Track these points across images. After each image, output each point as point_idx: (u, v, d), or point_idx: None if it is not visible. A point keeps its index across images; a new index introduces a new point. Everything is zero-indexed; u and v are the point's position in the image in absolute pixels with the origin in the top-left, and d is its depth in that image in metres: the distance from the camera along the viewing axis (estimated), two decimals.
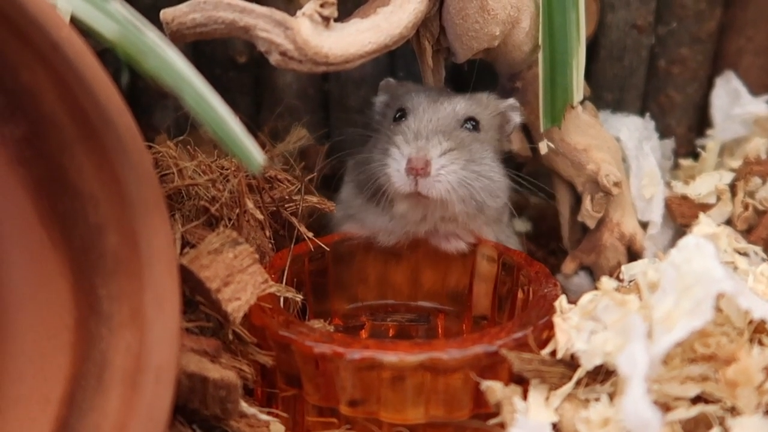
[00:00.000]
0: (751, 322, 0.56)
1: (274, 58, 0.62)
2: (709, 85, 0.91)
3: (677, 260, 0.53)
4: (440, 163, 0.67)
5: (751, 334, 0.55)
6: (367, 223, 0.74)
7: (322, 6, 0.62)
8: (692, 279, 0.51)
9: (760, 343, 0.55)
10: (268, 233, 0.67)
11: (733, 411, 0.51)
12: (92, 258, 0.54)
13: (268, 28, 0.61)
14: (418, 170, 0.66)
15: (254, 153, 0.49)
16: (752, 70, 0.90)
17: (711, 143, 0.86)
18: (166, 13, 0.61)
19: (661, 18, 0.89)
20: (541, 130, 0.76)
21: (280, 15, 0.61)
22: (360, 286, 0.76)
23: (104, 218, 0.53)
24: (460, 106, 0.72)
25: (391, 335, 0.74)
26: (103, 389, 0.51)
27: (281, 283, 0.67)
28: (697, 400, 0.52)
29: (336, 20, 0.65)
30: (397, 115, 0.73)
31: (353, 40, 0.63)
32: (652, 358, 0.50)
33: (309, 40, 0.61)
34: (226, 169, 0.66)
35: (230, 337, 0.59)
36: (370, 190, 0.70)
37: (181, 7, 0.61)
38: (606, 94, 0.91)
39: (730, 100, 0.89)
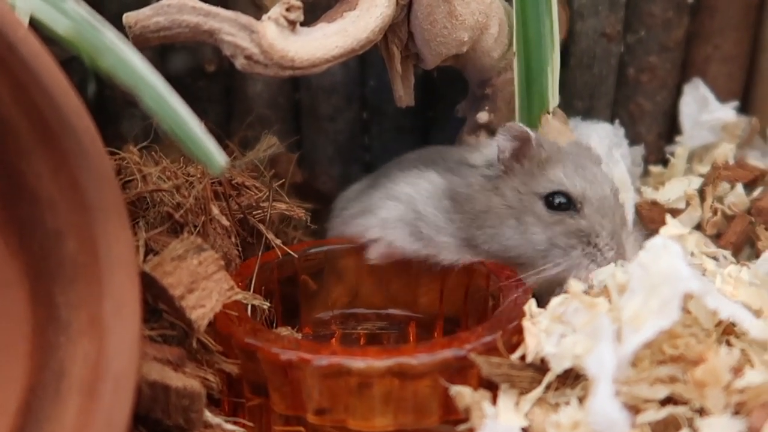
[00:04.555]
0: (719, 323, 0.56)
1: (239, 62, 0.61)
2: (677, 93, 0.92)
3: (645, 261, 0.53)
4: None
5: (719, 335, 0.55)
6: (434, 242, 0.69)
7: (288, 10, 0.62)
8: (659, 279, 0.51)
9: (728, 343, 0.55)
10: (234, 240, 0.66)
11: (702, 412, 0.50)
12: (50, 265, 0.53)
13: (233, 31, 0.61)
14: None
15: (216, 155, 0.49)
16: (719, 78, 0.91)
17: (680, 149, 0.86)
18: (129, 17, 0.60)
19: (630, 26, 0.89)
20: None
21: (245, 18, 0.61)
22: (330, 295, 0.74)
23: (63, 224, 0.52)
24: (614, 185, 0.70)
25: (362, 344, 0.73)
26: (61, 399, 0.50)
27: (249, 291, 0.65)
28: (666, 401, 0.51)
29: (303, 25, 0.64)
30: (557, 201, 0.66)
31: (320, 44, 0.63)
32: (621, 358, 0.49)
33: (275, 44, 0.61)
34: (192, 176, 0.65)
35: (195, 345, 0.58)
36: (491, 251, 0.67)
37: (144, 11, 0.60)
38: (576, 102, 0.91)
39: (699, 107, 0.89)
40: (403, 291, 0.75)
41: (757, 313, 0.56)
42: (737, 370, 0.52)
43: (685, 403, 0.51)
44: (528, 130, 0.68)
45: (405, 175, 0.73)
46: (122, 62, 0.46)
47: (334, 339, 0.73)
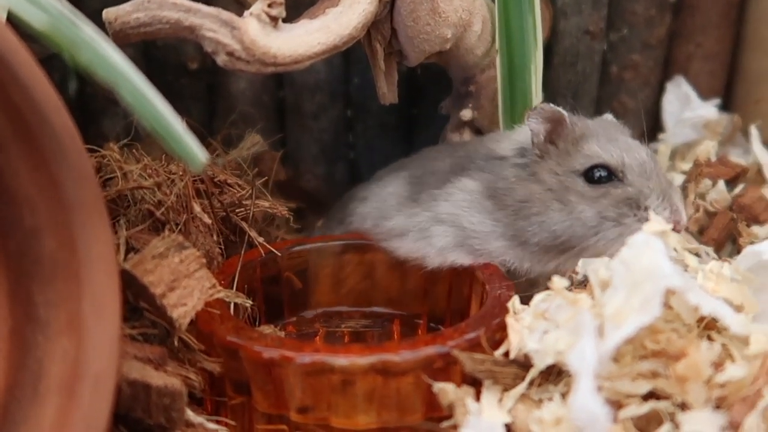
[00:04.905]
0: (701, 319, 0.56)
1: (221, 59, 0.61)
2: (660, 91, 0.92)
3: (627, 257, 0.53)
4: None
5: (700, 330, 0.55)
6: (493, 253, 0.67)
7: (270, 6, 0.61)
8: (641, 275, 0.51)
9: (710, 338, 0.55)
10: (216, 238, 0.65)
11: (684, 406, 0.51)
12: (29, 263, 0.52)
13: (214, 27, 0.60)
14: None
15: (196, 151, 0.48)
16: (701, 76, 0.92)
17: (662, 147, 0.87)
18: (109, 13, 0.59)
19: (613, 24, 0.90)
20: None
21: (226, 15, 0.60)
22: (314, 293, 0.74)
23: (41, 222, 0.51)
24: (648, 150, 0.69)
25: (346, 342, 0.73)
26: (39, 399, 0.49)
27: (231, 289, 0.65)
28: (648, 396, 0.51)
29: (286, 22, 0.64)
30: (597, 175, 0.65)
31: (302, 40, 0.62)
32: (602, 354, 0.49)
33: (257, 40, 0.60)
34: (174, 173, 0.65)
35: (176, 344, 0.57)
36: (550, 245, 0.65)
37: (124, 7, 0.59)
38: (560, 100, 0.90)
39: (681, 105, 0.90)
40: (388, 287, 0.74)
41: (738, 309, 0.56)
42: (718, 365, 0.52)
43: (666, 397, 0.51)
44: (560, 109, 0.67)
45: (442, 192, 0.70)
46: (101, 58, 0.46)
47: (317, 337, 0.73)
